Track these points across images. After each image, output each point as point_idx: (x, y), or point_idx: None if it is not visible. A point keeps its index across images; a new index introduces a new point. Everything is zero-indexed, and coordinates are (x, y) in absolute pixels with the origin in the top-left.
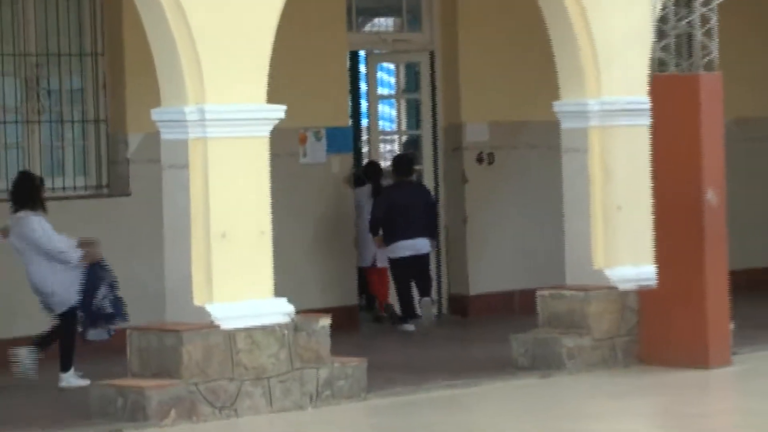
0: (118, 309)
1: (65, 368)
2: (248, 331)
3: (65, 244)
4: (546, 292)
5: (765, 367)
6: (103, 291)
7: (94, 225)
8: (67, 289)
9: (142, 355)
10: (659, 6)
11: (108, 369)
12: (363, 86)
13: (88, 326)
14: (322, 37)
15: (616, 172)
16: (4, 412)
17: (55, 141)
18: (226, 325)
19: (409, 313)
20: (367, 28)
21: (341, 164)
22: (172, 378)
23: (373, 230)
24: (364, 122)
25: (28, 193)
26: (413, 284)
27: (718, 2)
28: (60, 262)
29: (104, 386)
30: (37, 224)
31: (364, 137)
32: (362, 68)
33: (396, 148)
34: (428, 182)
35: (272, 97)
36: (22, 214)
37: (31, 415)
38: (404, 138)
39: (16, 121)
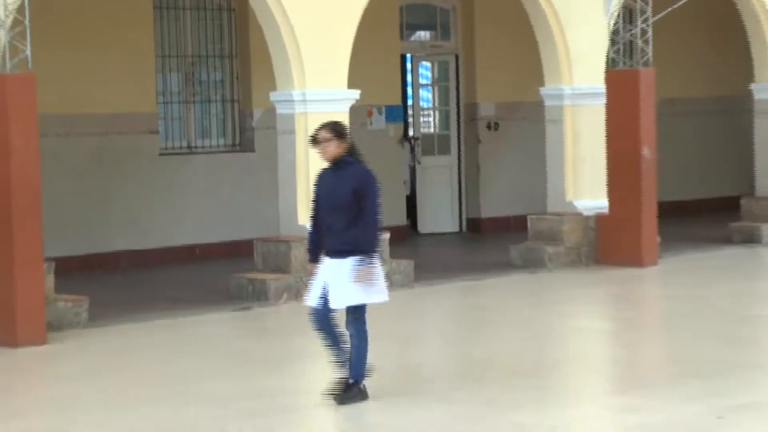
0: None
1: None
2: None
3: None
4: (534, 216)
5: (681, 267)
6: None
7: (232, 172)
8: None
9: (264, 257)
10: (612, 22)
11: (240, 266)
12: (409, 77)
13: None
14: (382, 44)
15: (582, 136)
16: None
17: (204, 114)
18: None
19: None
20: (413, 38)
21: (395, 130)
22: (285, 272)
23: None
24: (410, 101)
25: None
26: None
27: (653, 20)
28: None
29: (238, 278)
30: None
31: (410, 112)
32: (409, 65)
33: (431, 120)
34: (453, 144)
35: (350, 83)
36: None
37: (181, 297)
38: (437, 113)
39: (179, 102)
